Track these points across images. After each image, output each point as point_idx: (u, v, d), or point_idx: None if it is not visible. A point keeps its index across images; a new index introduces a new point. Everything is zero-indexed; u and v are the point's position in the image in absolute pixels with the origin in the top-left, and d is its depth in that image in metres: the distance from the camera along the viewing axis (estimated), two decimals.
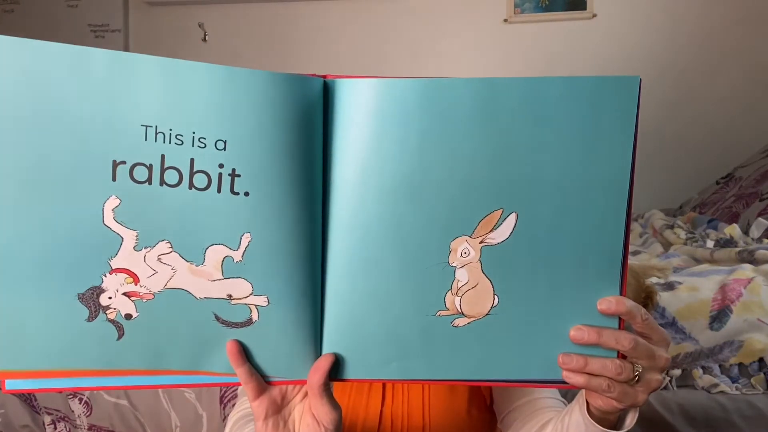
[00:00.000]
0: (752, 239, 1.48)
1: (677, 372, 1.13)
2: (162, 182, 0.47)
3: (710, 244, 1.52)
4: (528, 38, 2.77)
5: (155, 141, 0.46)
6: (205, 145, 0.46)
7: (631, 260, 1.59)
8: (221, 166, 0.46)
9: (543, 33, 2.76)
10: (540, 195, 0.48)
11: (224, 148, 0.46)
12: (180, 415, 1.25)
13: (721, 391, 1.09)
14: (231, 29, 3.04)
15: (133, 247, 0.48)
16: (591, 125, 0.48)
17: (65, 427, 1.35)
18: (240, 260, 0.49)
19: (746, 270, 1.21)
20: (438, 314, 0.51)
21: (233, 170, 0.47)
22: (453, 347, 0.51)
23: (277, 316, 0.51)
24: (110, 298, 0.50)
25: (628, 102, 0.47)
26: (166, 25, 3.09)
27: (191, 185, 0.47)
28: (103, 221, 0.47)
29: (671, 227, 1.82)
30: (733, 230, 1.52)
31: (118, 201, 0.47)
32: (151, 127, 0.46)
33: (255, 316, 0.51)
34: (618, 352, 0.51)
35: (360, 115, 0.48)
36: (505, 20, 2.78)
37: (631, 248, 1.83)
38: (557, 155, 0.48)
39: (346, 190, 0.49)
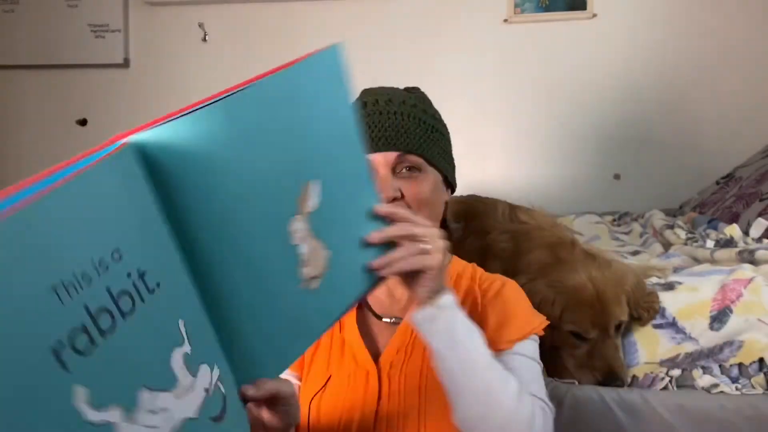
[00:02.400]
0: (752, 239, 1.48)
1: (677, 372, 1.13)
2: (103, 333, 0.39)
3: (710, 244, 1.52)
4: (528, 38, 2.77)
5: (70, 298, 0.37)
6: (107, 267, 0.40)
7: (631, 260, 1.59)
8: (129, 274, 0.42)
9: (543, 33, 2.76)
10: (323, 161, 0.61)
11: (120, 258, 0.42)
12: None
13: (721, 392, 1.09)
14: (231, 29, 3.04)
15: (125, 423, 0.41)
16: (321, 98, 0.60)
17: None
18: (189, 350, 0.47)
19: (746, 270, 1.21)
20: (302, 287, 0.60)
21: (138, 269, 0.43)
22: (321, 303, 0.62)
23: (228, 381, 0.54)
24: None
25: (335, 69, 0.61)
26: (166, 25, 3.09)
27: (123, 314, 0.41)
28: (89, 419, 0.39)
29: (671, 227, 1.82)
30: (733, 230, 1.52)
31: (84, 389, 0.38)
32: (57, 287, 0.37)
33: (223, 400, 0.52)
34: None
35: (172, 164, 0.49)
36: (505, 20, 2.78)
37: (631, 248, 1.83)
38: (315, 130, 0.60)
39: (199, 236, 0.52)
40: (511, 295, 0.91)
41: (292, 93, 0.58)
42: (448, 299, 0.72)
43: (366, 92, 0.94)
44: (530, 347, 0.86)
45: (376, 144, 0.87)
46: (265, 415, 0.64)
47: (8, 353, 0.34)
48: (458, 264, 0.97)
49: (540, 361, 0.87)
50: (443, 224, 0.96)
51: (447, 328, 0.71)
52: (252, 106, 0.54)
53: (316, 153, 0.60)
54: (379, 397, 0.85)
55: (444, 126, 0.95)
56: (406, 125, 0.88)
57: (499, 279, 0.94)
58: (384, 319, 0.92)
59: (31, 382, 0.35)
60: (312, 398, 0.87)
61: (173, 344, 0.46)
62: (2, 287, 0.34)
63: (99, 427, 0.39)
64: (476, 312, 0.88)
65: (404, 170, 0.87)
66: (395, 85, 0.97)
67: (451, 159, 0.96)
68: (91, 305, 0.39)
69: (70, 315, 0.37)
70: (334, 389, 0.87)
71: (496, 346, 0.83)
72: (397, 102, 0.90)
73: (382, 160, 0.87)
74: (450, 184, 0.96)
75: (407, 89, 0.96)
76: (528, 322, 0.87)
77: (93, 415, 0.38)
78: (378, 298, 0.95)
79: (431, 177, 0.89)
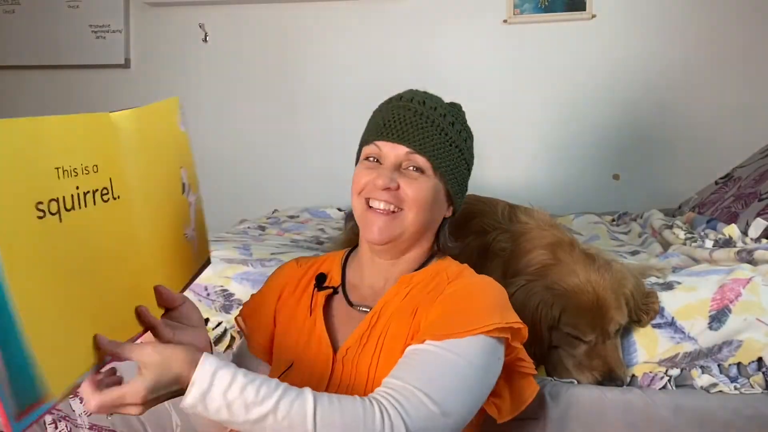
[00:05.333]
0: (751, 239, 1.48)
1: (676, 372, 1.13)
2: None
3: (709, 244, 1.52)
4: (527, 39, 2.78)
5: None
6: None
7: (631, 260, 1.60)
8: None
9: (542, 33, 2.76)
10: None
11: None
12: (181, 414, 1.25)
13: (720, 391, 1.09)
14: (231, 29, 3.04)
15: None
16: None
17: (66, 426, 1.35)
18: None
19: (745, 270, 1.21)
20: None
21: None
22: None
23: None
24: None
25: None
26: (167, 25, 3.10)
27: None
28: None
29: (670, 227, 1.82)
30: (732, 230, 1.52)
31: None
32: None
33: None
34: None
35: None
36: (505, 21, 2.79)
37: (630, 248, 1.83)
38: None
39: None
40: (468, 291, 0.87)
41: None
42: (189, 399, 0.67)
43: (409, 90, 0.97)
44: (465, 347, 0.79)
45: (391, 134, 0.90)
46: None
47: None
48: (446, 264, 0.97)
49: (479, 362, 0.79)
50: (437, 240, 0.97)
51: (201, 413, 0.67)
52: None
53: None
54: (329, 382, 0.87)
55: (468, 149, 0.97)
56: (426, 128, 0.90)
57: (469, 277, 0.92)
58: (355, 307, 0.94)
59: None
60: (278, 377, 0.90)
61: None
62: None
63: None
64: (430, 304, 0.87)
65: (410, 168, 0.90)
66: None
67: (461, 182, 0.97)
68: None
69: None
70: (295, 371, 0.90)
71: (421, 337, 0.81)
72: (429, 106, 0.92)
73: (392, 151, 0.90)
74: (452, 202, 0.97)
75: (449, 103, 0.98)
76: (471, 322, 0.81)
77: None
78: (355, 286, 0.97)
79: (433, 184, 0.91)
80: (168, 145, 0.86)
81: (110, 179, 0.68)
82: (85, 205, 0.64)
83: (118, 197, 0.69)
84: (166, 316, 0.80)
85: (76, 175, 0.62)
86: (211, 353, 0.82)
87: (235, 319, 1.06)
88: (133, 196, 0.74)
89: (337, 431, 0.69)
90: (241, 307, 1.29)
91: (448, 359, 0.78)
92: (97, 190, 0.66)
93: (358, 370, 0.86)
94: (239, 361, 0.99)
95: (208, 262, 0.97)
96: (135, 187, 0.74)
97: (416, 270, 0.95)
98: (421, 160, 0.89)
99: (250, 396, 0.67)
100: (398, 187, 0.88)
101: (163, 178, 0.83)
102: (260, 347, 1.00)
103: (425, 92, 0.97)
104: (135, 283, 0.73)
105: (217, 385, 0.66)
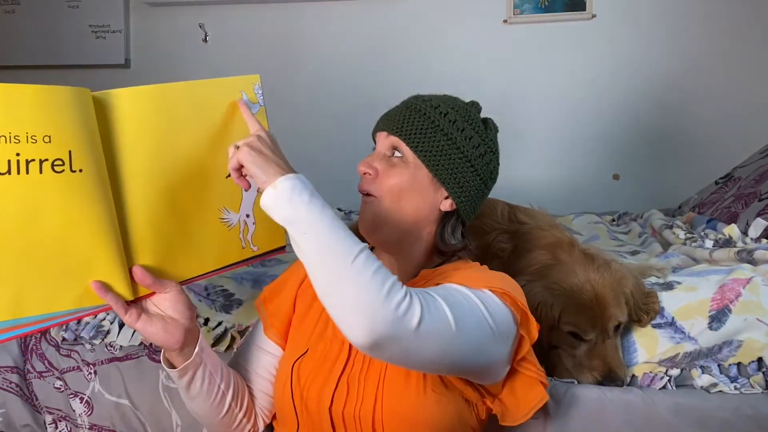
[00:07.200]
0: (751, 239, 1.48)
1: (676, 372, 1.13)
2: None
3: (709, 244, 1.52)
4: (527, 39, 2.78)
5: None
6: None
7: (631, 260, 1.60)
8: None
9: (542, 33, 2.76)
10: None
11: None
12: (181, 414, 1.25)
13: (720, 391, 1.09)
14: (231, 30, 3.04)
15: None
16: None
17: (66, 426, 1.35)
18: None
19: (745, 270, 1.21)
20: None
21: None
22: None
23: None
24: None
25: None
26: (167, 25, 3.10)
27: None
28: None
29: (670, 227, 1.82)
30: (732, 230, 1.52)
31: None
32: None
33: None
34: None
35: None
36: (505, 21, 2.79)
37: (630, 248, 1.83)
38: None
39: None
40: (479, 269, 0.92)
41: None
42: (285, 183, 0.72)
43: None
44: (479, 293, 0.81)
45: (380, 123, 0.95)
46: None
47: None
48: (466, 264, 0.98)
49: (490, 309, 0.80)
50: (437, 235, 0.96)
51: (286, 197, 0.72)
52: None
53: None
54: (341, 375, 0.88)
55: (465, 140, 0.92)
56: (409, 115, 0.91)
57: (478, 265, 0.96)
58: None
59: None
60: (294, 363, 0.92)
61: None
62: None
63: None
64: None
65: (391, 153, 0.92)
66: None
67: (452, 171, 0.91)
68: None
69: None
70: (310, 358, 0.92)
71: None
72: (421, 99, 0.94)
73: (379, 139, 0.95)
74: (449, 195, 0.93)
75: (466, 102, 1.00)
76: (482, 284, 0.83)
77: None
78: None
79: (411, 169, 0.90)
80: (215, 124, 0.83)
81: (69, 152, 0.67)
82: (27, 173, 0.65)
83: (79, 171, 0.68)
84: (152, 299, 0.82)
85: (17, 142, 0.64)
86: (194, 348, 0.85)
87: (255, 302, 1.07)
88: (121, 174, 0.74)
89: (366, 277, 0.68)
90: (240, 307, 1.30)
91: (466, 293, 0.79)
92: (46, 159, 0.66)
93: (371, 366, 0.87)
94: (249, 348, 1.01)
95: (279, 250, 0.97)
96: (130, 165, 0.75)
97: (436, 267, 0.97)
98: (398, 143, 0.91)
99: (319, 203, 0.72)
100: (377, 174, 0.91)
101: (192, 159, 0.81)
102: (277, 331, 1.00)
103: (443, 95, 0.98)
104: (89, 257, 0.72)
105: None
